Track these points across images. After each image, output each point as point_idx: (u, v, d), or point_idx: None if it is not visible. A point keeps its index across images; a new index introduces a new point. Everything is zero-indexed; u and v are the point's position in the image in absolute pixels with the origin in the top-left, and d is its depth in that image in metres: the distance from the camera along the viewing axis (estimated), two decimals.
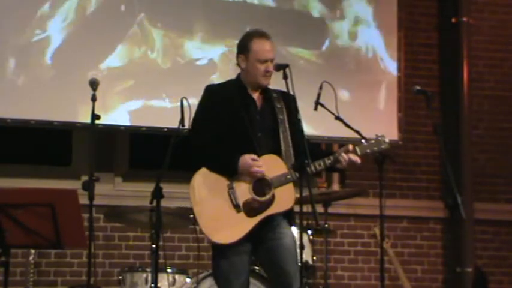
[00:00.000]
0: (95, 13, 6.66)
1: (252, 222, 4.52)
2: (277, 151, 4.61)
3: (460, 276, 7.40)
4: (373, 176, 5.78)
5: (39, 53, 6.52)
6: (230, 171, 4.56)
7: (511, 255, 7.72)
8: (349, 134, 5.04)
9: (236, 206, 4.53)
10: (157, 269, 4.92)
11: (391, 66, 7.32)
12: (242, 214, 4.53)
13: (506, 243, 7.70)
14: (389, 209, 6.07)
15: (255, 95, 4.74)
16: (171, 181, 5.74)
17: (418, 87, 5.23)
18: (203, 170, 4.60)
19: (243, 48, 4.73)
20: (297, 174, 4.52)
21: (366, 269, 7.33)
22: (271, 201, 4.55)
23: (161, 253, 5.10)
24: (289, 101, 4.68)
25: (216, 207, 4.55)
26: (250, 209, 4.54)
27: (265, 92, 4.75)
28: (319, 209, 6.03)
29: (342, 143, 4.73)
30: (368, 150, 4.69)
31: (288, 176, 4.55)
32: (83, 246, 4.90)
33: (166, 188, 4.72)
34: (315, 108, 5.13)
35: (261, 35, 4.73)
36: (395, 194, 7.44)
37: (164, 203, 4.80)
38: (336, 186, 7.37)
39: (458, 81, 7.60)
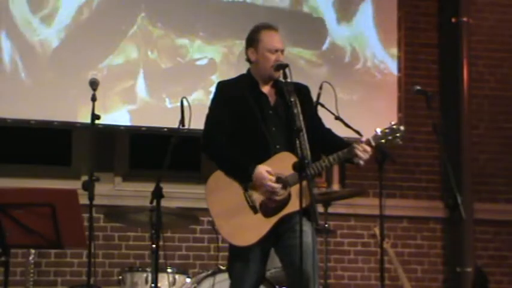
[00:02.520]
0: (95, 13, 6.66)
1: (270, 222, 4.47)
2: (292, 146, 4.47)
3: (460, 276, 7.40)
4: (373, 176, 5.77)
5: (39, 53, 6.52)
6: (244, 179, 4.50)
7: (511, 255, 7.71)
8: (349, 134, 5.03)
9: (253, 207, 4.48)
10: (157, 269, 4.92)
11: (391, 66, 7.32)
12: (259, 215, 4.48)
13: (506, 243, 7.70)
14: (390, 209, 6.06)
15: (267, 89, 4.69)
16: (171, 181, 5.75)
17: (418, 87, 5.21)
18: (218, 173, 4.56)
19: (252, 41, 4.70)
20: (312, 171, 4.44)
21: (365, 269, 7.32)
22: (287, 200, 4.47)
23: (161, 253, 5.11)
24: (303, 92, 4.66)
25: (233, 210, 4.50)
26: (267, 210, 4.48)
27: (278, 85, 4.68)
28: (319, 209, 6.03)
29: None
30: (382, 140, 4.55)
31: (303, 174, 4.37)
32: (83, 246, 4.89)
33: (166, 188, 4.72)
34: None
35: (269, 26, 4.73)
36: (395, 194, 7.43)
37: (164, 203, 4.80)
38: (336, 186, 7.36)
39: (458, 81, 7.59)
